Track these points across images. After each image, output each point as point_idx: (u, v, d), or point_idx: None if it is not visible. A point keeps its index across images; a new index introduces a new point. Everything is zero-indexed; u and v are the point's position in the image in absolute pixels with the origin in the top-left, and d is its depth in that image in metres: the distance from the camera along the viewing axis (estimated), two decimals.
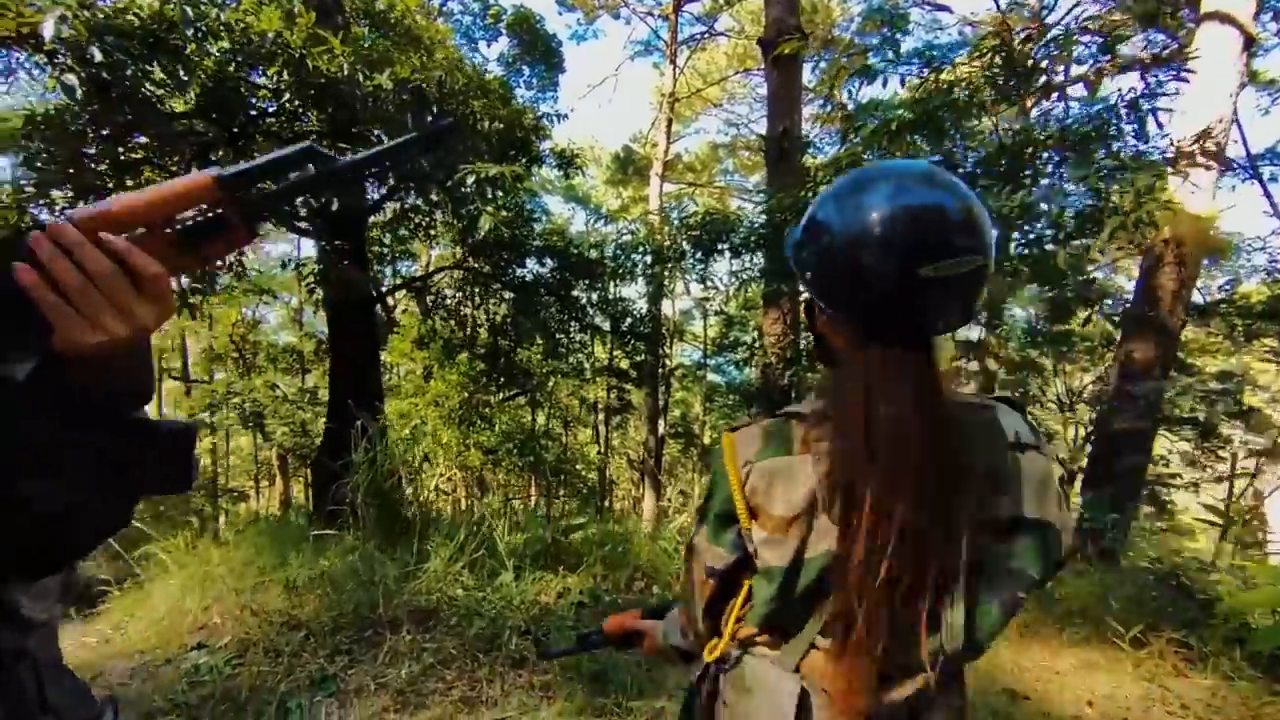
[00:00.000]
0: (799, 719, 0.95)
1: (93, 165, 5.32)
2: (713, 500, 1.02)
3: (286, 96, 5.06)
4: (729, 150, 19.28)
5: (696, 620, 1.10)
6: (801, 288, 1.48)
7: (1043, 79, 4.51)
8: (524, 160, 8.27)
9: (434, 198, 5.16)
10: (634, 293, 16.16)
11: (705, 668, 1.10)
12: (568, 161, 8.89)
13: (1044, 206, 4.13)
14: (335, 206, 6.17)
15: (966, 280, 0.87)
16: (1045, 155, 4.24)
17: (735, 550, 1.01)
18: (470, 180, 5.25)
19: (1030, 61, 4.18)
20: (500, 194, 6.04)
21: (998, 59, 4.31)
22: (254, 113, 5.35)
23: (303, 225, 6.63)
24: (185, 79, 4.46)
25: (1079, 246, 4.33)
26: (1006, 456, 0.93)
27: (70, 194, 5.30)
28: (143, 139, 5.35)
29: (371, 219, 10.96)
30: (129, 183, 5.53)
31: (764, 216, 7.04)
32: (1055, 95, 5.60)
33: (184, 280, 5.32)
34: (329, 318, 7.59)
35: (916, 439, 0.87)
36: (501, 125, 6.84)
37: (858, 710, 0.93)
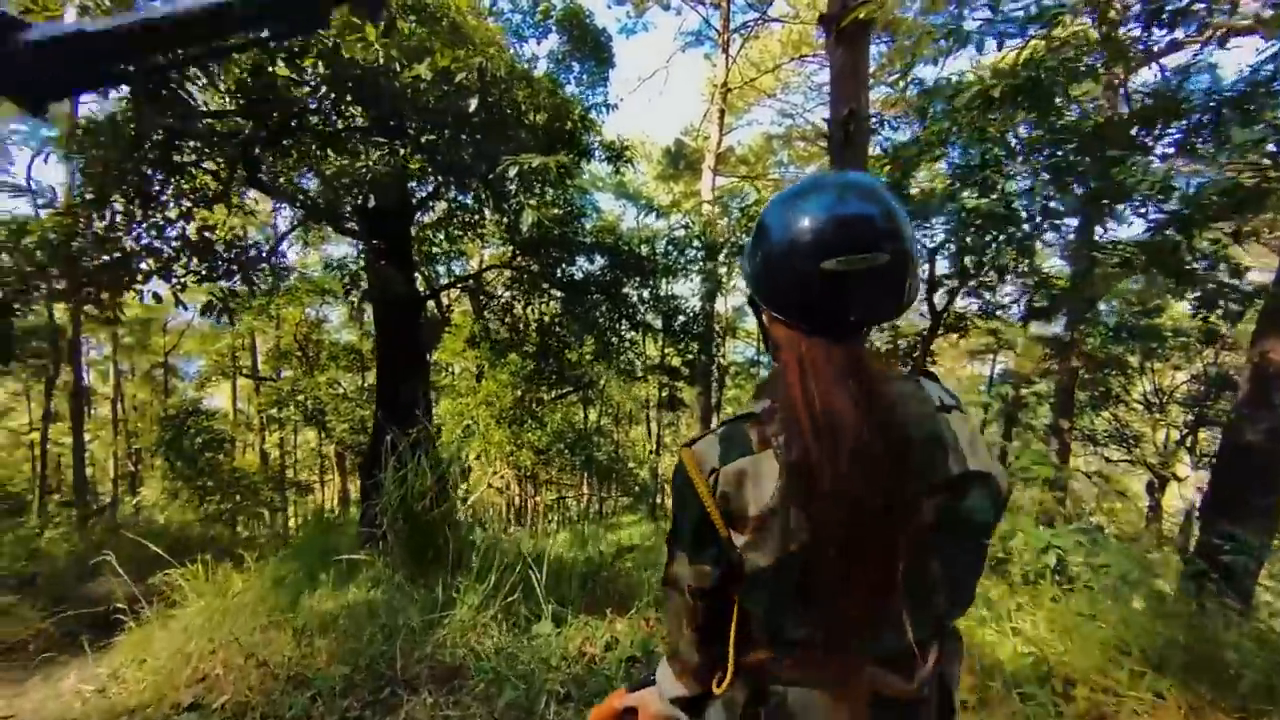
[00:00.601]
0: None
1: (146, 170, 5.17)
2: (683, 521, 0.99)
3: (324, 90, 4.75)
4: (784, 141, 18.46)
5: (692, 654, 1.04)
6: (752, 293, 1.34)
7: (1170, 34, 3.74)
8: (572, 154, 7.86)
9: (475, 191, 4.79)
10: (686, 290, 15.63)
11: (699, 709, 1.05)
12: (618, 155, 8.43)
13: (1177, 183, 3.39)
14: (374, 204, 5.89)
15: (880, 275, 0.92)
16: (1183, 122, 3.49)
17: (719, 564, 0.96)
18: (513, 173, 4.84)
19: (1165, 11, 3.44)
20: (546, 188, 5.62)
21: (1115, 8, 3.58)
22: (294, 109, 5.07)
23: (349, 225, 6.39)
24: (217, 70, 4.19)
25: (1219, 230, 3.57)
26: (939, 420, 0.96)
27: (126, 200, 5.17)
28: (191, 142, 5.18)
29: (420, 218, 10.82)
30: (182, 184, 5.38)
31: None
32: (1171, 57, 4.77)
33: (223, 284, 5.11)
34: (375, 318, 7.37)
35: (851, 413, 0.88)
36: (546, 115, 6.44)
37: (858, 697, 0.93)
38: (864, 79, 7.32)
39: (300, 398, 16.80)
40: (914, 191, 5.00)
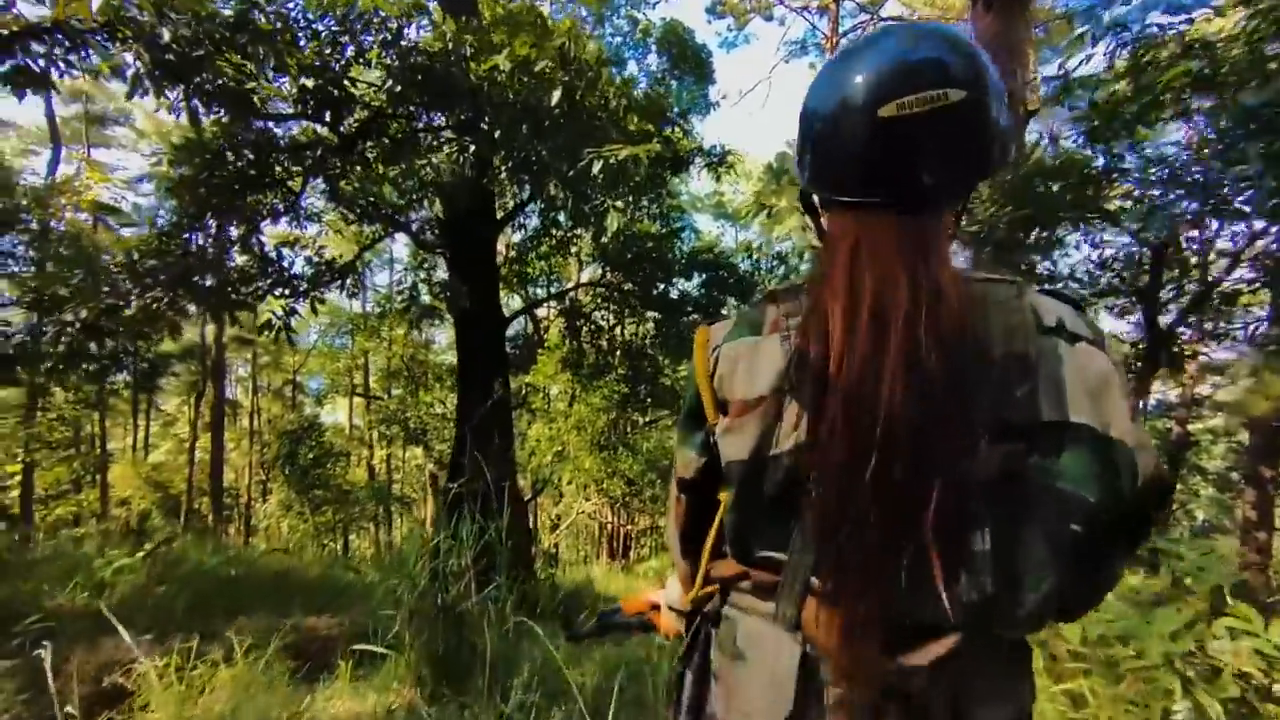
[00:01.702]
0: (804, 691, 0.71)
1: (234, 186, 4.83)
2: (685, 400, 0.85)
3: (390, 83, 4.16)
4: None
5: (679, 558, 0.90)
6: (802, 181, 0.86)
7: None
8: (668, 156, 7.00)
9: (554, 193, 4.02)
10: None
11: (691, 624, 0.86)
12: (719, 160, 7.50)
13: None
14: (449, 212, 5.28)
15: (954, 123, 0.69)
16: None
17: (705, 452, 0.83)
18: (596, 168, 4.02)
19: None
20: (637, 193, 4.76)
21: None
22: (364, 110, 4.53)
23: (426, 238, 5.84)
24: (275, 64, 3.67)
25: None
26: (1041, 343, 0.68)
27: (221, 219, 4.84)
28: (274, 155, 4.79)
29: (513, 238, 10.38)
30: (266, 197, 5.02)
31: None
32: None
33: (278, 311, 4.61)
34: (457, 337, 6.79)
35: (906, 305, 0.67)
36: (640, 115, 5.62)
37: (861, 674, 0.68)
38: (1020, 52, 5.96)
39: (406, 416, 17.05)
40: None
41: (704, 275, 8.28)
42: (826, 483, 0.68)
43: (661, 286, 8.28)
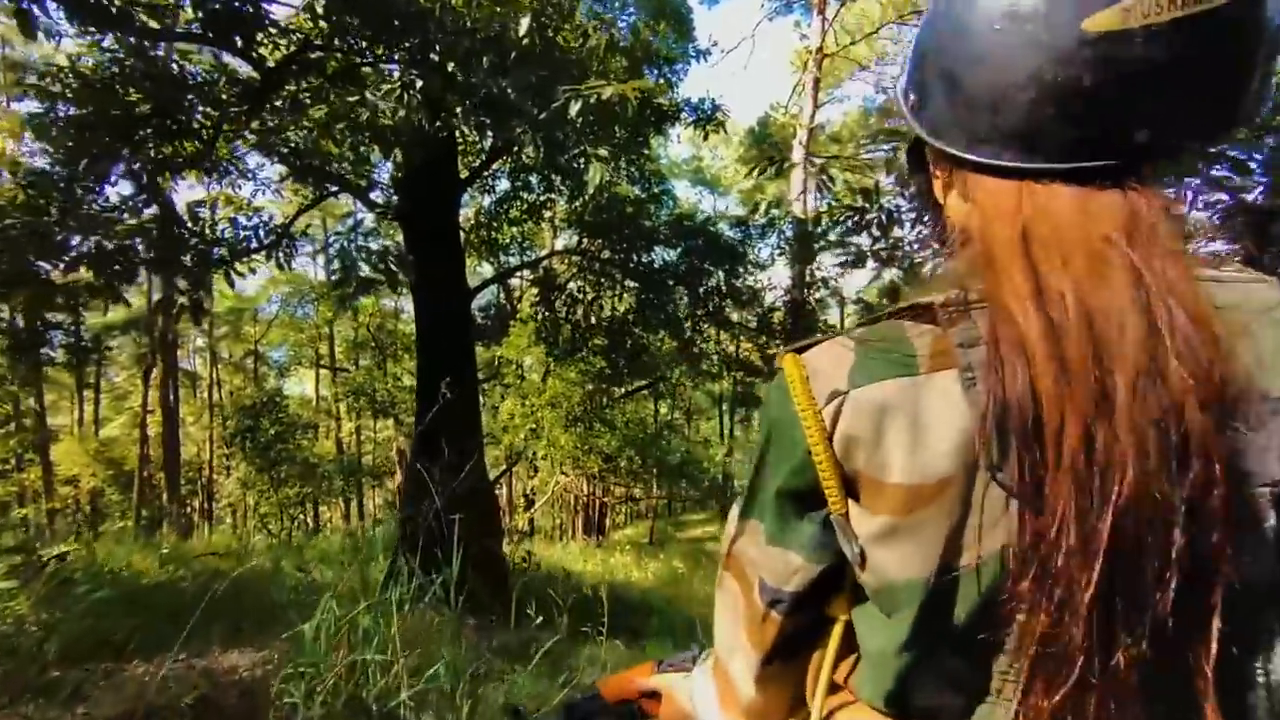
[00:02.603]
0: None
1: (127, 129, 3.90)
2: (765, 473, 0.54)
3: (319, 4, 3.28)
4: (882, 116, 16.09)
5: (748, 685, 0.59)
6: (922, 133, 0.55)
7: None
8: (651, 113, 6.19)
9: (522, 138, 3.25)
10: (765, 280, 13.64)
11: None
12: (708, 117, 6.70)
13: None
14: (394, 162, 4.44)
15: (1193, 42, 0.43)
16: None
17: (821, 555, 0.53)
18: (574, 110, 3.24)
19: None
20: (620, 139, 3.98)
21: None
22: (289, 39, 3.64)
23: (378, 200, 4.99)
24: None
25: None
26: None
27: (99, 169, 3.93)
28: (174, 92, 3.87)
29: (477, 202, 9.47)
30: (171, 147, 4.09)
31: None
32: None
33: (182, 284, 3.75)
34: (416, 311, 5.98)
35: (1133, 317, 0.42)
36: (623, 61, 4.80)
37: None
38: None
39: (374, 389, 16.15)
40: None
41: (687, 244, 7.54)
42: (1056, 605, 0.42)
43: (642, 255, 7.53)
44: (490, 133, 3.43)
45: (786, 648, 0.58)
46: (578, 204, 6.77)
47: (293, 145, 3.83)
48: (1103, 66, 0.45)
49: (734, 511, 0.59)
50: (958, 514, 0.46)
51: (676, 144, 19.08)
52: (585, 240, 7.45)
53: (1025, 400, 0.43)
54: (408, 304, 19.61)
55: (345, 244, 3.22)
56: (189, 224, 3.71)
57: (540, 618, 3.32)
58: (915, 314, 0.51)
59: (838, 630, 0.56)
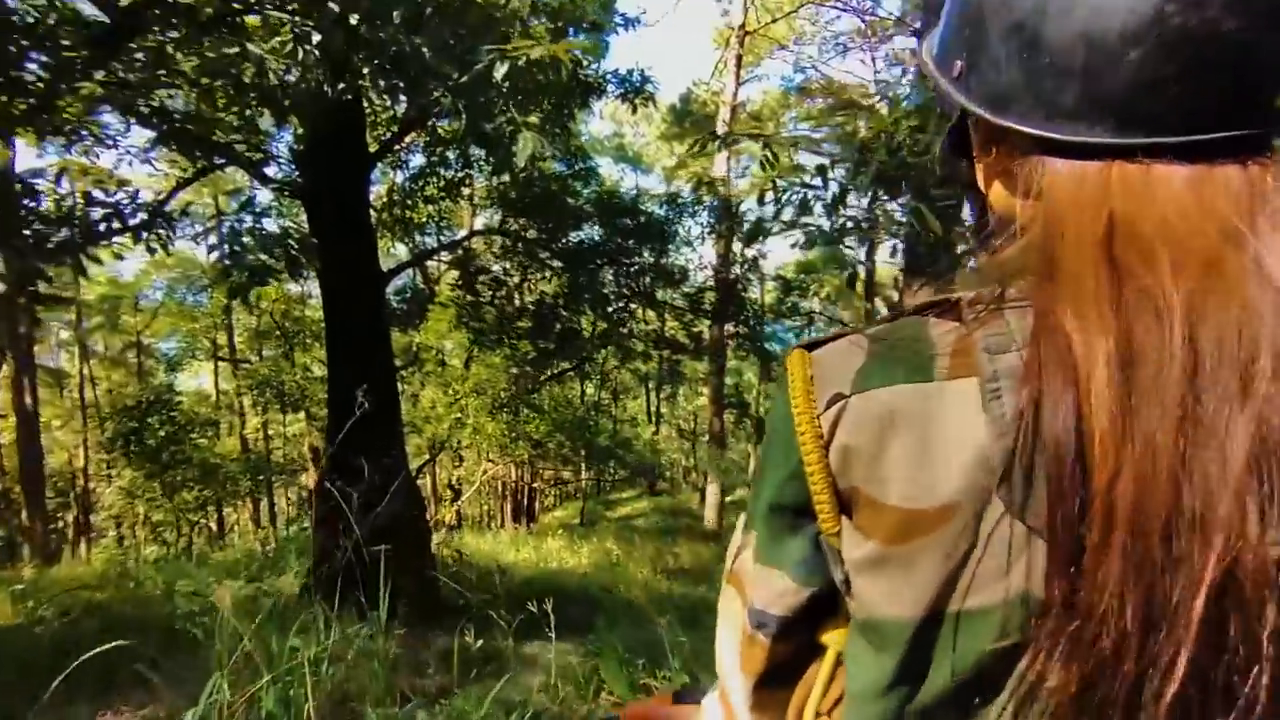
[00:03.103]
0: None
1: None
2: (761, 484, 0.50)
3: None
4: (803, 95, 16.25)
5: (744, 712, 0.54)
6: (973, 107, 0.45)
7: None
8: (577, 87, 5.81)
9: (439, 102, 2.84)
10: (698, 259, 13.58)
11: None
12: (637, 89, 6.39)
13: None
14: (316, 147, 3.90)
15: None
16: None
17: (810, 575, 0.48)
18: (501, 73, 2.86)
19: None
20: (546, 111, 3.63)
21: None
22: None
23: (274, 175, 4.38)
24: None
25: None
26: None
27: None
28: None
29: (389, 178, 8.74)
30: (12, 103, 3.32)
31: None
32: None
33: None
34: (324, 298, 5.40)
35: (1257, 349, 0.34)
36: (549, 20, 4.40)
37: None
38: None
39: (280, 381, 14.87)
40: None
41: (616, 222, 7.25)
42: (1089, 681, 0.36)
43: (569, 234, 7.17)
44: (403, 98, 2.99)
45: (777, 674, 0.53)
46: (501, 181, 6.30)
47: (159, 106, 3.20)
48: (1246, 5, 0.37)
49: (739, 524, 0.54)
50: (961, 549, 0.40)
51: (598, 120, 18.58)
52: (509, 219, 6.99)
53: (1067, 437, 0.36)
54: (316, 288, 18.25)
55: (234, 225, 2.70)
56: (25, 198, 3.03)
57: (465, 606, 3.01)
58: (941, 308, 0.45)
59: (829, 659, 0.51)
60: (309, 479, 10.86)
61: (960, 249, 2.88)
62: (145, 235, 3.35)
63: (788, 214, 2.84)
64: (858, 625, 0.47)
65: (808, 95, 16.06)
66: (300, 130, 4.95)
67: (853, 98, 15.76)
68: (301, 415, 17.18)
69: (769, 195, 3.35)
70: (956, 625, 0.41)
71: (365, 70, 3.12)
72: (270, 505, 19.28)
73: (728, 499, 14.75)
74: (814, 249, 2.82)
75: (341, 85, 3.16)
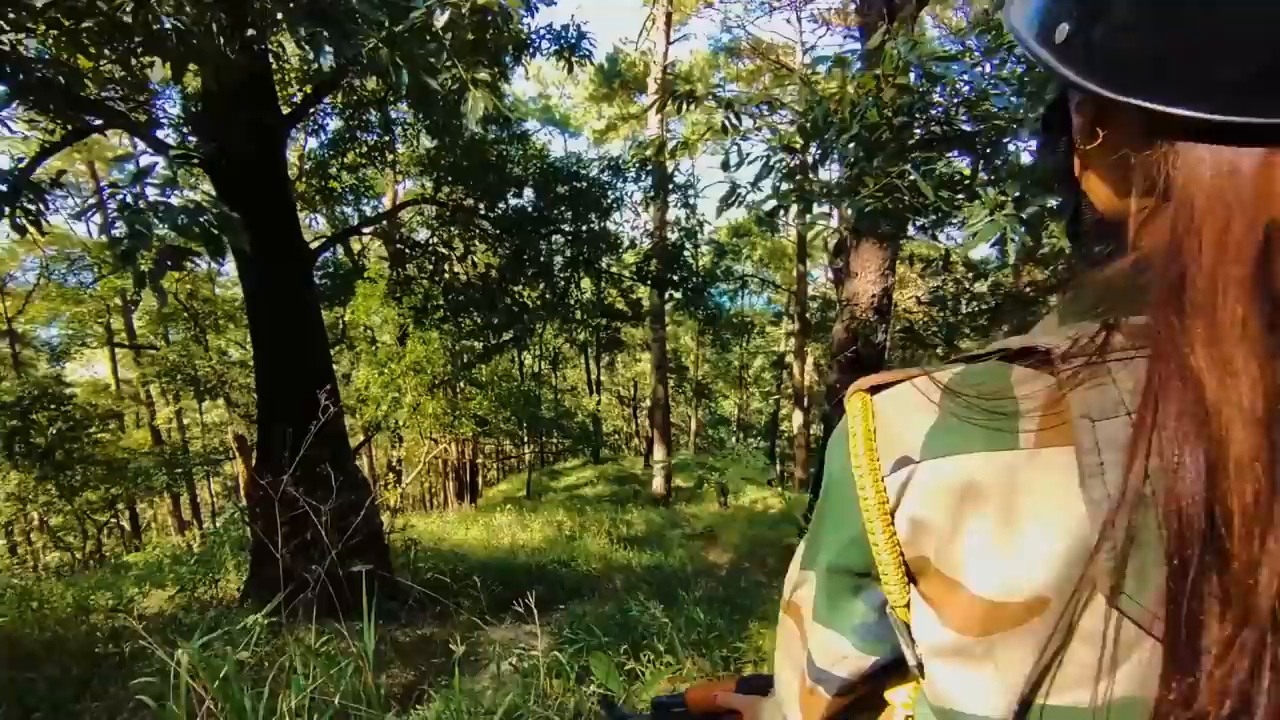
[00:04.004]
0: None
1: None
2: (821, 531, 0.46)
3: None
4: (731, 55, 15.94)
5: None
6: (1082, 81, 0.36)
7: None
8: (509, 44, 5.36)
9: (374, 51, 2.45)
10: (643, 224, 13.30)
11: None
12: (572, 46, 5.97)
13: None
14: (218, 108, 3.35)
15: None
16: None
17: (874, 646, 0.45)
18: (442, 19, 2.49)
19: None
20: (493, 74, 3.25)
21: None
22: None
23: (167, 140, 3.78)
24: None
25: None
26: None
27: None
28: None
29: (307, 144, 7.94)
30: None
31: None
32: None
33: None
34: (241, 278, 4.84)
35: None
36: None
37: None
38: None
39: (194, 367, 13.60)
40: None
41: (559, 189, 6.87)
42: None
43: (510, 202, 6.75)
44: (329, 49, 2.57)
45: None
46: (431, 146, 5.78)
47: (10, 52, 2.59)
48: None
49: (798, 555, 0.50)
50: (1053, 645, 0.35)
51: (523, 81, 17.65)
52: (443, 187, 6.48)
53: (1194, 512, 0.31)
54: (227, 266, 16.72)
55: (129, 197, 2.22)
56: None
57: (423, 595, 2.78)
58: (1028, 358, 0.38)
59: (899, 717, 0.47)
60: (239, 468, 9.98)
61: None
62: (7, 210, 2.77)
63: (769, 179, 2.68)
64: (934, 710, 0.42)
65: (735, 55, 15.82)
66: (192, 88, 4.31)
67: (780, 58, 15.67)
68: (221, 402, 15.89)
69: (733, 159, 3.17)
70: None
71: (280, 14, 2.65)
72: (192, 498, 17.91)
73: (674, 461, 14.89)
74: (798, 214, 2.68)
75: (251, 33, 2.68)
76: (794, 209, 2.77)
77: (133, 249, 2.30)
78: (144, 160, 2.76)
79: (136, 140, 4.54)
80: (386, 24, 2.72)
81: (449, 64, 2.70)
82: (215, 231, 2.38)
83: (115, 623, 4.48)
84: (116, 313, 16.75)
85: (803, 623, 0.49)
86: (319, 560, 2.61)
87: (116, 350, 17.23)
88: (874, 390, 0.42)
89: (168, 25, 2.76)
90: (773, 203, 2.67)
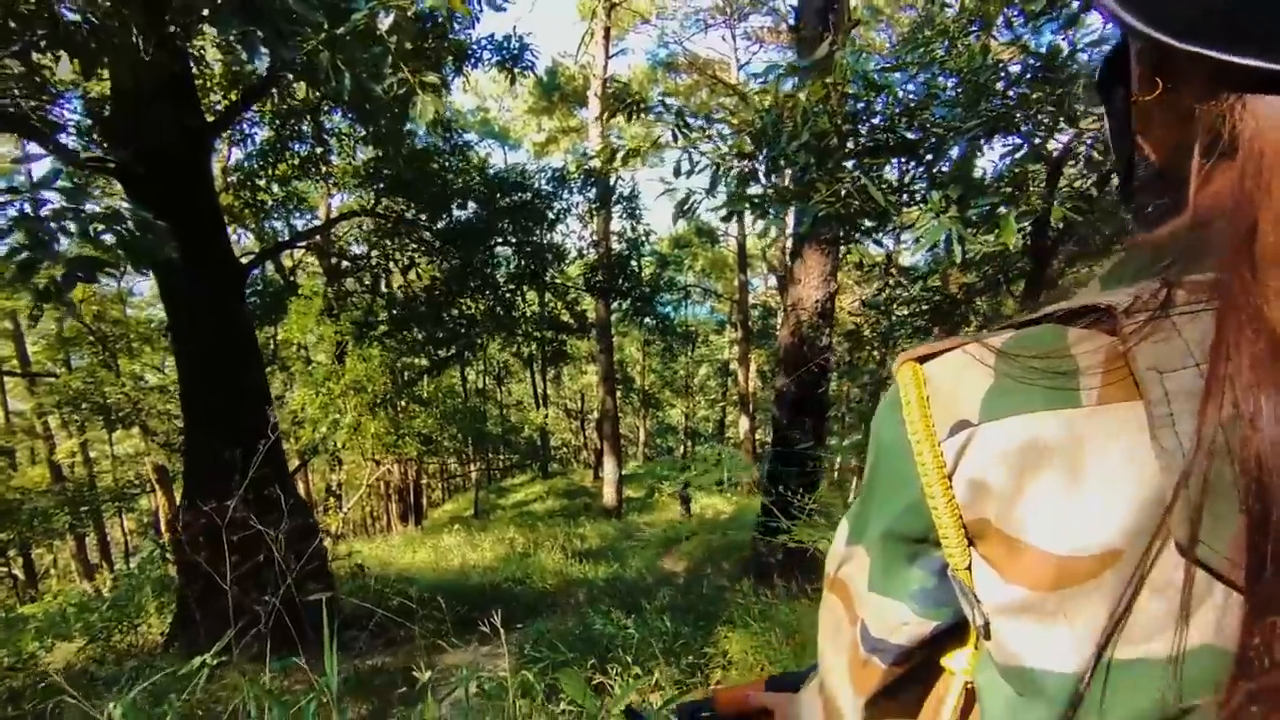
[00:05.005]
0: None
1: None
2: (873, 501, 0.46)
3: None
4: (669, 70, 16.21)
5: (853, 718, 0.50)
6: (1135, 22, 0.35)
7: None
8: (449, 54, 5.26)
9: (315, 54, 2.32)
10: (589, 235, 13.25)
11: None
12: (515, 57, 5.91)
13: None
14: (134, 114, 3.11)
15: None
16: None
17: (935, 611, 0.44)
18: (387, 21, 2.39)
19: None
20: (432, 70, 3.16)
21: None
22: None
23: (72, 148, 3.49)
24: None
25: None
26: None
27: None
28: None
29: (231, 154, 7.51)
30: None
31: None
32: None
33: None
34: (165, 295, 4.50)
35: None
36: None
37: None
38: None
39: (103, 394, 12.51)
40: None
41: (503, 200, 6.76)
42: None
43: (454, 214, 6.59)
44: (264, 51, 2.41)
45: (891, 692, 0.49)
46: (372, 157, 5.58)
47: None
48: None
49: (842, 531, 0.50)
50: (1125, 597, 0.35)
51: (461, 93, 17.39)
52: (384, 199, 6.26)
53: (1275, 459, 0.31)
54: (141, 284, 15.58)
55: (27, 206, 1.94)
56: None
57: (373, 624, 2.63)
58: (1085, 317, 0.37)
59: (958, 688, 0.46)
60: (160, 502, 9.14)
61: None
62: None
63: (723, 186, 2.71)
64: (1000, 669, 0.41)
65: (673, 70, 16.12)
66: (97, 90, 4.01)
67: (716, 74, 16.07)
68: (136, 431, 14.66)
69: (684, 166, 3.20)
70: (1117, 677, 0.36)
71: (205, 10, 2.48)
72: (101, 539, 16.41)
73: (624, 472, 14.82)
74: (756, 218, 2.71)
75: (173, 29, 2.50)
76: (748, 213, 2.82)
77: (31, 262, 2.07)
78: (42, 166, 2.52)
79: (26, 143, 4.17)
80: (325, 26, 2.60)
81: (392, 69, 2.60)
82: (134, 241, 2.17)
83: (14, 682, 4.02)
84: (4, 338, 15.26)
85: (851, 597, 0.48)
86: (263, 592, 2.43)
87: (5, 380, 15.68)
88: (922, 359, 0.42)
89: (71, 17, 2.54)
90: (724, 210, 2.71)
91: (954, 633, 0.46)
